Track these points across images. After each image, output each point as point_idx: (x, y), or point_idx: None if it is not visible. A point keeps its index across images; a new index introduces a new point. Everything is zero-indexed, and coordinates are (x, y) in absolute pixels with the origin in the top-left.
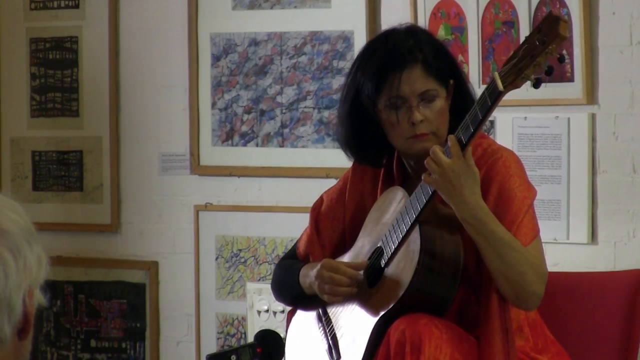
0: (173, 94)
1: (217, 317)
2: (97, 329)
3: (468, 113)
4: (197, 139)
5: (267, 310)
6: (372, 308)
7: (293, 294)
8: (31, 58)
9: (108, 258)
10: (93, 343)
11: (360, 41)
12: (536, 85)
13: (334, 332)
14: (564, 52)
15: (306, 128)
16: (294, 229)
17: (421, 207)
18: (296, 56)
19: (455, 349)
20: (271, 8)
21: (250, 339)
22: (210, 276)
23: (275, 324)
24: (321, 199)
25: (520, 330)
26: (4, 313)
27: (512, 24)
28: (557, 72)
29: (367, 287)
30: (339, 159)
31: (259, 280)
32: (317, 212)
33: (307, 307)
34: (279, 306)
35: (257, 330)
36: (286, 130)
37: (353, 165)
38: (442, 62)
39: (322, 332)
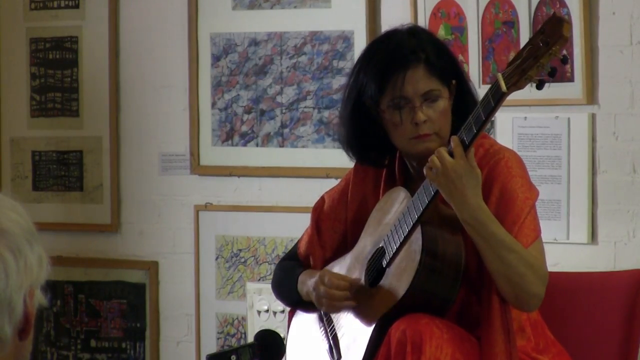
0: (173, 94)
1: (217, 317)
2: (97, 329)
3: (471, 114)
4: (197, 139)
5: (267, 310)
6: (373, 308)
7: (292, 298)
8: (31, 58)
9: (108, 258)
10: (93, 343)
11: (360, 41)
12: (539, 86)
13: (335, 332)
14: (564, 52)
15: (306, 128)
16: (294, 229)
17: (423, 207)
18: (296, 56)
19: (457, 349)
20: (271, 8)
21: (250, 339)
22: (210, 276)
23: (275, 324)
24: (322, 199)
25: (522, 330)
26: (4, 313)
27: (512, 24)
28: (558, 72)
29: (369, 287)
30: (339, 159)
31: (259, 280)
32: (319, 213)
33: (307, 309)
34: (279, 306)
35: (257, 330)
36: (286, 130)
37: (355, 165)
38: (445, 62)
39: (323, 331)
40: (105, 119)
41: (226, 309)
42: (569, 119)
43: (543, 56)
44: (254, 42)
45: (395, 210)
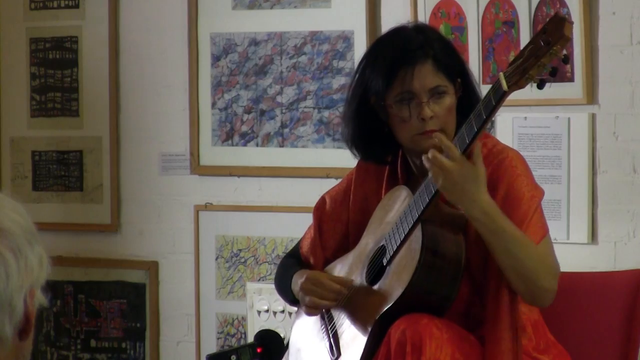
0: (173, 94)
1: (217, 317)
2: (97, 329)
3: (472, 112)
4: (197, 139)
5: (267, 310)
6: (372, 306)
7: (288, 296)
8: (31, 58)
9: (108, 258)
10: (93, 343)
11: (360, 41)
12: (540, 85)
13: (336, 330)
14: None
15: (306, 128)
16: (294, 229)
17: (424, 205)
18: (296, 56)
19: (456, 349)
20: (271, 8)
21: (250, 339)
22: (210, 276)
23: (275, 324)
24: (323, 199)
25: (523, 329)
26: (5, 313)
27: (512, 24)
28: (558, 72)
29: (369, 285)
30: (339, 159)
31: (259, 280)
32: (321, 214)
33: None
34: (279, 306)
35: (257, 330)
36: (286, 130)
37: (357, 165)
38: (452, 60)
39: (324, 329)
40: (105, 119)
41: (226, 309)
42: (569, 119)
43: (544, 55)
44: (254, 42)
45: (397, 208)
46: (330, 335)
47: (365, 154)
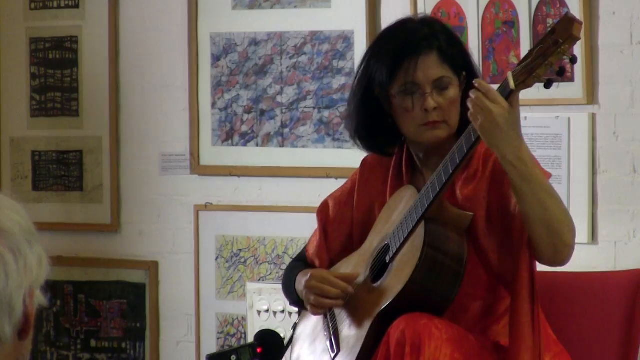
0: (173, 94)
1: (217, 317)
2: (97, 329)
3: None
4: (197, 139)
5: (267, 310)
6: (372, 303)
7: (293, 298)
8: (31, 58)
9: (108, 258)
10: (93, 343)
11: (360, 41)
12: (547, 85)
13: (337, 326)
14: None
15: (306, 128)
16: (294, 229)
17: (428, 203)
18: (296, 56)
19: (456, 349)
20: (271, 8)
21: (250, 339)
22: (210, 276)
23: (275, 324)
24: (327, 203)
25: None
26: (4, 313)
27: (512, 24)
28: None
29: (371, 282)
30: (339, 159)
31: (259, 280)
32: (326, 217)
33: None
34: (279, 306)
35: (257, 330)
36: (286, 130)
37: (361, 165)
38: (457, 52)
39: (326, 326)
40: (105, 119)
41: (226, 309)
42: (569, 118)
43: (552, 55)
44: (254, 42)
45: (402, 207)
46: (331, 332)
47: (369, 144)
